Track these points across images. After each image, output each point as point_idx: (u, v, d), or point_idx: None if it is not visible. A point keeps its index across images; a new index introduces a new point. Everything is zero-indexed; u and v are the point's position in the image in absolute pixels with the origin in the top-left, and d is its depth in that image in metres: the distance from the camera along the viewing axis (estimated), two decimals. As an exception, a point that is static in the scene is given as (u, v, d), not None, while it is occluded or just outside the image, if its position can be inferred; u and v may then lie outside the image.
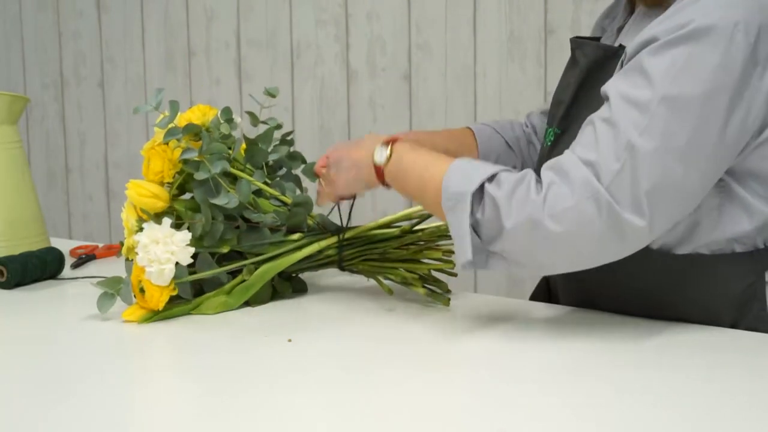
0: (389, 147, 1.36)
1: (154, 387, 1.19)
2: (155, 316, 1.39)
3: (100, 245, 1.87)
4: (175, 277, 1.38)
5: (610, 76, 1.32)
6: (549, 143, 1.44)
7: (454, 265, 1.45)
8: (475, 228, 1.26)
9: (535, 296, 1.58)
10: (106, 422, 1.04)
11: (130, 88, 3.11)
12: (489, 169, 1.26)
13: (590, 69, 1.39)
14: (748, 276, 1.31)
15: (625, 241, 1.22)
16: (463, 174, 1.26)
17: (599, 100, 1.29)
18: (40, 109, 3.31)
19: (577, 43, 1.45)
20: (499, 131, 1.64)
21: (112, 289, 1.41)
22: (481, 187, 1.25)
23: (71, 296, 1.57)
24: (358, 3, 2.64)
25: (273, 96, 1.52)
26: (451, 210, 1.26)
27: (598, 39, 1.49)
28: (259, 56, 2.83)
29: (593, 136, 1.23)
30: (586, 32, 2.05)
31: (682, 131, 1.20)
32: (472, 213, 1.25)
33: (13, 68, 3.36)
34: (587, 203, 1.19)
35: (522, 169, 1.58)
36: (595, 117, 1.24)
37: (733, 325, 1.32)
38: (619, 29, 1.44)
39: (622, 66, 1.30)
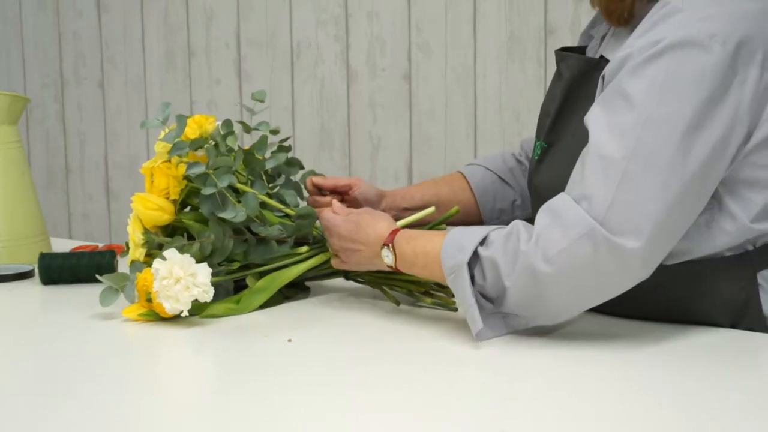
0: (391, 248, 1.36)
1: (153, 386, 1.19)
2: (155, 315, 1.39)
3: (101, 245, 1.87)
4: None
5: (594, 87, 1.32)
6: (536, 157, 1.44)
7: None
8: (483, 294, 1.27)
9: None
10: (106, 422, 1.04)
11: (130, 88, 3.11)
12: (479, 233, 1.27)
13: (574, 81, 1.39)
14: (740, 279, 1.30)
15: (626, 271, 1.21)
16: (456, 245, 1.27)
17: (583, 113, 1.29)
18: (40, 109, 3.31)
19: (561, 56, 1.45)
20: (490, 168, 1.64)
21: (117, 285, 1.40)
22: (476, 254, 1.25)
23: (72, 295, 1.57)
24: (358, 3, 2.64)
25: (261, 101, 1.53)
26: (453, 284, 1.27)
27: (584, 48, 1.49)
28: (259, 56, 2.83)
29: (582, 172, 1.22)
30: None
31: (669, 150, 1.19)
32: (474, 281, 1.26)
33: (13, 68, 3.36)
34: (581, 241, 1.19)
35: (522, 200, 1.61)
36: (583, 153, 1.24)
37: (732, 328, 1.31)
38: (603, 37, 1.44)
39: (603, 80, 1.30)
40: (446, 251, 1.28)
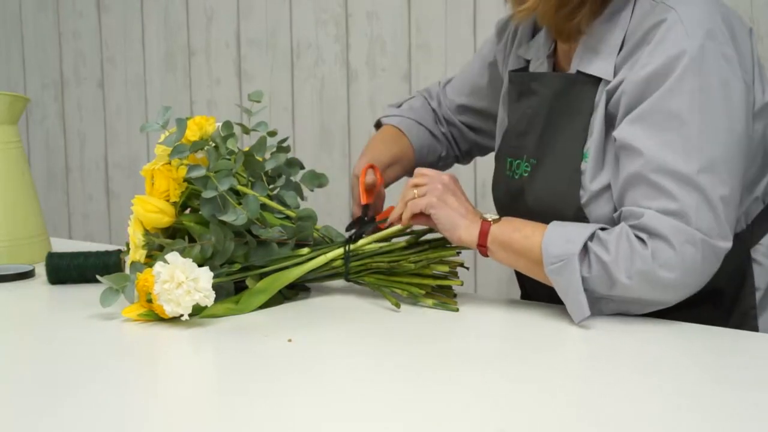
0: (496, 218, 1.42)
1: (153, 386, 1.19)
2: (155, 316, 1.39)
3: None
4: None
5: (578, 101, 1.40)
6: (525, 173, 1.49)
7: (462, 282, 1.47)
8: (584, 284, 1.32)
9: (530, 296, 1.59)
10: (106, 421, 1.04)
11: (130, 88, 3.11)
12: (587, 229, 1.33)
13: (554, 99, 1.45)
14: (738, 255, 1.39)
15: (718, 263, 1.32)
16: (562, 237, 1.33)
17: (569, 128, 1.39)
18: (40, 109, 3.31)
19: (531, 75, 1.51)
20: (421, 123, 1.74)
21: (117, 285, 1.40)
22: (585, 247, 1.32)
23: (72, 295, 1.57)
24: (358, 3, 2.64)
25: (258, 101, 1.53)
26: (557, 272, 1.32)
27: (525, 68, 1.55)
28: (259, 56, 2.83)
29: (656, 188, 1.30)
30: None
31: (722, 146, 1.31)
32: (580, 271, 1.31)
33: (13, 68, 3.36)
34: (686, 248, 1.29)
35: (446, 152, 1.75)
36: (643, 171, 1.32)
37: (734, 302, 1.40)
38: (549, 56, 1.50)
39: (608, 96, 1.37)
40: (551, 241, 1.33)
